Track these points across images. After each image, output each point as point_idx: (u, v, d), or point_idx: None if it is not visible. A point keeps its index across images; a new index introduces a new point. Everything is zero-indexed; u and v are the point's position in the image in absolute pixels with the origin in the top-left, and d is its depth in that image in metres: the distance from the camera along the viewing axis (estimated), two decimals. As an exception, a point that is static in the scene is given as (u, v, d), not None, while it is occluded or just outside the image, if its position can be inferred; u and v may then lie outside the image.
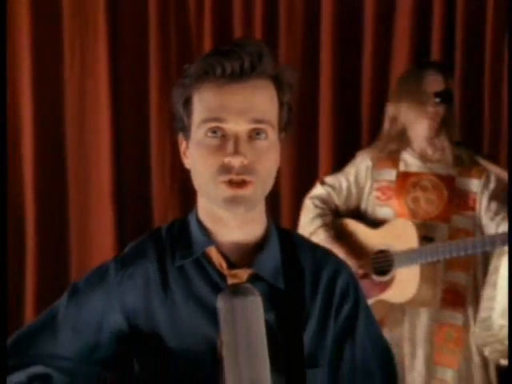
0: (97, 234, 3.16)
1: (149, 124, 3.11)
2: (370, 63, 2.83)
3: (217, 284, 1.04)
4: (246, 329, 0.83)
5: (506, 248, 2.01)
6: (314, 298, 1.10)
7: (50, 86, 3.12)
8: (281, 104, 1.07)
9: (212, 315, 0.95)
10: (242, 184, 1.02)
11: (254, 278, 1.01)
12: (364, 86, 2.84)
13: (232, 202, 1.02)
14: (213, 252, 1.08)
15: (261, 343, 0.83)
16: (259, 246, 1.10)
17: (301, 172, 2.87)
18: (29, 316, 3.07)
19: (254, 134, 1.03)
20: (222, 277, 1.05)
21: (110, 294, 1.09)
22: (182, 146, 1.11)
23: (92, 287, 1.10)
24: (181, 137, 1.11)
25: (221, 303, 0.85)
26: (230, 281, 1.02)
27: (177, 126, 1.10)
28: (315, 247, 1.19)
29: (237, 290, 0.86)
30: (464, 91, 2.74)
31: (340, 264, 1.17)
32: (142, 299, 1.07)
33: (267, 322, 0.96)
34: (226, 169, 1.02)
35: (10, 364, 1.03)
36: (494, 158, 2.34)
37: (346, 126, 2.88)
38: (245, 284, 0.96)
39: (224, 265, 1.07)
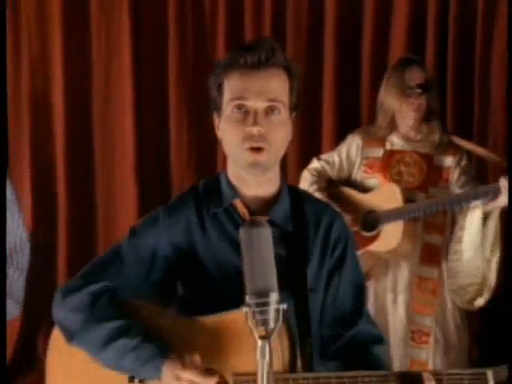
0: (121, 202, 3.56)
1: (168, 106, 3.53)
2: (369, 62, 3.26)
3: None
4: (259, 250, 1.13)
5: (472, 205, 2.42)
6: (315, 239, 1.42)
7: (79, 67, 3.53)
8: (291, 88, 1.37)
9: (238, 249, 1.19)
10: (259, 150, 1.32)
11: (269, 224, 1.27)
12: (363, 76, 3.27)
13: (252, 166, 1.33)
14: (238, 203, 1.40)
15: (270, 261, 1.13)
16: (274, 199, 1.41)
17: (307, 151, 3.27)
18: (61, 280, 3.47)
19: (270, 111, 1.33)
20: None
21: (160, 233, 1.40)
22: (216, 121, 1.42)
23: (147, 228, 1.42)
24: (215, 115, 1.42)
25: (241, 232, 1.16)
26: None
27: (212, 106, 1.42)
28: (317, 201, 1.55)
29: (252, 223, 1.19)
30: (455, 85, 3.20)
31: (336, 214, 1.49)
32: (185, 236, 1.40)
33: (279, 256, 1.21)
34: (248, 137, 1.32)
35: (86, 281, 1.39)
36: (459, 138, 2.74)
37: (346, 112, 3.30)
38: (258, 218, 1.31)
39: (246, 214, 1.38)
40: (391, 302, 2.63)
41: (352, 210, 2.66)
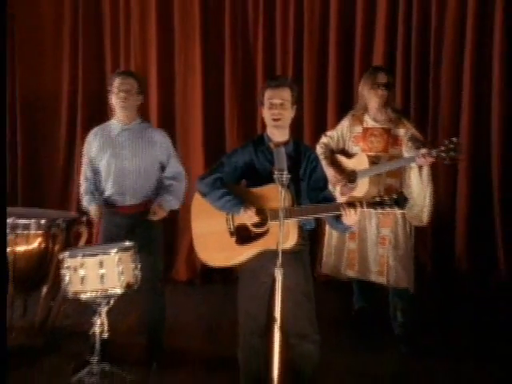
0: (192, 164, 5.33)
1: (224, 99, 5.32)
2: (360, 62, 5.04)
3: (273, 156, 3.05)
4: (280, 155, 2.77)
5: (413, 164, 3.93)
6: (303, 159, 2.97)
7: (165, 61, 5.35)
8: (292, 95, 2.95)
9: (271, 162, 2.85)
10: (277, 120, 2.94)
11: (286, 153, 2.96)
12: (356, 76, 5.03)
13: (275, 126, 3.00)
14: (271, 145, 3.10)
15: (285, 160, 2.75)
16: (286, 142, 2.97)
17: (317, 126, 5.02)
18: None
19: (281, 105, 2.92)
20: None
21: (238, 156, 2.99)
22: (261, 109, 3.14)
23: (233, 155, 3.04)
24: (261, 106, 3.11)
25: (274, 151, 2.88)
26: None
27: (259, 102, 3.15)
28: (304, 144, 3.26)
29: (277, 148, 2.91)
30: (417, 83, 5.04)
31: (312, 150, 3.14)
32: (249, 158, 2.96)
33: (289, 165, 2.84)
34: (273, 116, 3.01)
35: (209, 174, 3.07)
36: (410, 119, 4.37)
37: (344, 100, 5.02)
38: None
39: (274, 147, 3.06)
40: (368, 222, 4.23)
41: (342, 171, 4.26)
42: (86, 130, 4.02)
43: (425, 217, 4.07)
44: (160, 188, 3.71)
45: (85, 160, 3.79)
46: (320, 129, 4.84)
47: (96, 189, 3.71)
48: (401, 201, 2.77)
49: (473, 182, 5.28)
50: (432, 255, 5.41)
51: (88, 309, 3.65)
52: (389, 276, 4.01)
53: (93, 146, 3.72)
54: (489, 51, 5.11)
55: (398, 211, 2.83)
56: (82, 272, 3.11)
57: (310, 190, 3.01)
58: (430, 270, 5.36)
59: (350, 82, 5.12)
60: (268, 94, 2.99)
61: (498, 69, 5.07)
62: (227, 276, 5.25)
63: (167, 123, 5.26)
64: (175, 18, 5.36)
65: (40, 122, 5.54)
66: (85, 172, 3.77)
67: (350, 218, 2.80)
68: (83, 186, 3.77)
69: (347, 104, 4.93)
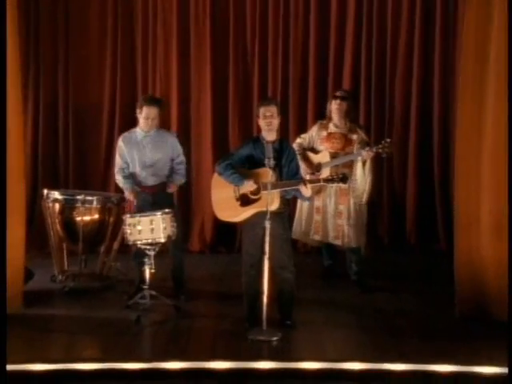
0: (203, 160, 6.94)
1: (228, 111, 6.97)
2: (332, 82, 6.76)
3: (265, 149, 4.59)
4: (270, 152, 4.39)
5: (358, 158, 5.42)
6: (284, 151, 4.45)
7: (183, 82, 6.96)
8: (278, 110, 4.44)
9: (264, 154, 4.43)
10: (269, 125, 4.43)
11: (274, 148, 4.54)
12: (329, 93, 6.66)
13: (267, 130, 4.52)
14: (264, 142, 4.53)
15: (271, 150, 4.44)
16: (275, 140, 4.44)
17: (298, 131, 6.57)
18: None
19: (271, 115, 4.39)
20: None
21: (243, 149, 4.51)
22: (257, 120, 4.65)
23: (239, 149, 4.59)
24: (257, 118, 4.62)
25: (266, 146, 4.45)
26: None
27: (256, 115, 4.77)
28: (287, 141, 4.83)
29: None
30: (376, 97, 6.71)
31: (290, 145, 4.75)
32: (250, 151, 4.43)
33: (274, 156, 4.41)
34: (266, 123, 4.54)
35: (223, 160, 4.60)
36: (363, 128, 5.86)
37: (318, 110, 6.63)
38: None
39: (266, 144, 4.55)
40: (328, 201, 5.67)
41: (310, 163, 5.69)
42: (121, 132, 5.56)
43: (364, 197, 5.51)
44: (171, 171, 5.23)
45: (118, 157, 5.23)
46: (302, 131, 6.43)
47: (128, 176, 5.16)
48: (344, 179, 4.36)
49: (419, 171, 6.93)
50: (388, 230, 7.03)
51: (130, 264, 5.28)
52: (343, 239, 5.48)
53: (124, 147, 5.19)
54: (431, 75, 6.81)
55: (342, 185, 4.52)
56: (139, 227, 4.68)
57: (288, 173, 4.54)
58: (387, 242, 6.99)
59: (325, 98, 6.73)
60: (262, 109, 4.54)
61: (438, 87, 6.78)
62: (230, 248, 6.94)
63: (184, 130, 6.87)
64: (191, 47, 6.94)
65: (87, 126, 7.06)
66: (119, 164, 5.21)
67: (306, 191, 4.37)
68: (119, 174, 5.20)
69: (322, 114, 6.52)
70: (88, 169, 7.10)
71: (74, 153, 7.06)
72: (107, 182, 6.95)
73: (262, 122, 4.54)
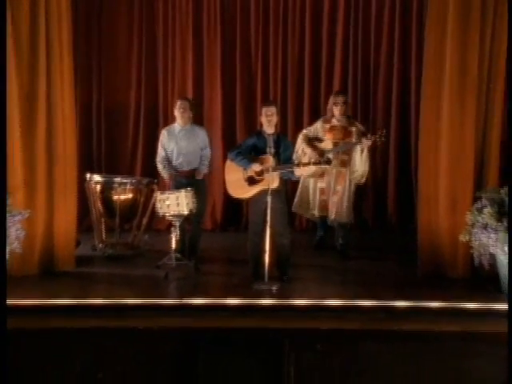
0: (214, 150, 8.12)
1: (235, 111, 8.17)
2: (325, 85, 7.94)
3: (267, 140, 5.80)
4: (270, 142, 5.64)
5: (358, 147, 6.64)
6: (282, 141, 5.60)
7: (197, 86, 8.17)
8: (276, 109, 5.61)
9: (266, 144, 5.66)
10: (270, 122, 5.66)
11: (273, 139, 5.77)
12: (322, 95, 7.90)
13: (268, 126, 5.72)
14: (266, 135, 5.73)
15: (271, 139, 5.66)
16: (274, 133, 5.71)
17: (296, 126, 7.78)
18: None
19: (272, 114, 5.53)
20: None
21: (249, 140, 5.64)
22: (260, 117, 5.81)
23: (246, 141, 5.76)
24: (260, 116, 5.79)
25: (268, 137, 5.68)
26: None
27: (259, 113, 5.93)
28: (284, 136, 6.04)
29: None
30: (362, 97, 7.95)
31: (286, 137, 6.08)
32: (254, 141, 5.61)
33: (273, 146, 5.64)
34: (268, 120, 5.70)
35: (234, 149, 5.84)
36: (359, 122, 7.06)
37: (313, 109, 7.85)
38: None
39: (267, 135, 5.77)
40: (329, 183, 6.85)
41: (316, 149, 6.86)
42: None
43: (363, 179, 6.70)
44: (200, 161, 6.40)
45: (160, 147, 6.39)
46: (298, 126, 7.65)
47: (167, 163, 6.33)
48: (328, 161, 5.59)
49: (399, 161, 8.10)
50: (372, 213, 8.23)
51: (156, 237, 6.46)
52: (336, 214, 6.66)
53: (165, 139, 6.36)
54: (408, 79, 8.00)
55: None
56: (167, 202, 5.87)
57: (284, 158, 5.69)
58: (371, 223, 8.18)
59: (318, 98, 7.98)
60: (264, 109, 5.71)
61: (415, 86, 7.90)
62: (237, 227, 8.17)
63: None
64: (204, 55, 8.14)
65: (116, 122, 8.27)
66: (160, 153, 6.37)
67: (299, 172, 5.60)
68: (160, 162, 6.33)
69: (316, 111, 7.80)
70: (117, 157, 8.32)
71: (105, 144, 8.30)
72: (133, 168, 8.20)
73: (264, 119, 5.70)
